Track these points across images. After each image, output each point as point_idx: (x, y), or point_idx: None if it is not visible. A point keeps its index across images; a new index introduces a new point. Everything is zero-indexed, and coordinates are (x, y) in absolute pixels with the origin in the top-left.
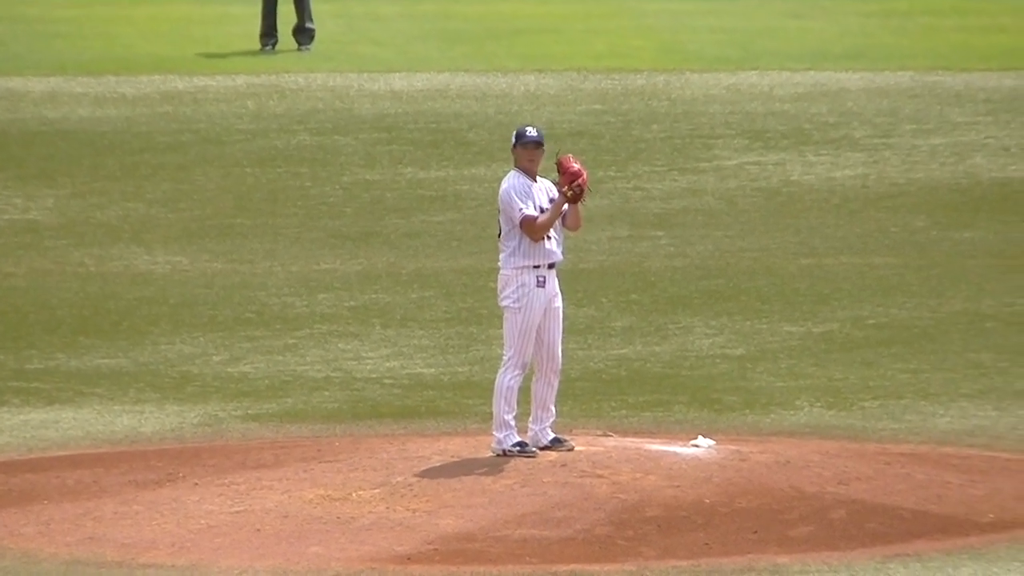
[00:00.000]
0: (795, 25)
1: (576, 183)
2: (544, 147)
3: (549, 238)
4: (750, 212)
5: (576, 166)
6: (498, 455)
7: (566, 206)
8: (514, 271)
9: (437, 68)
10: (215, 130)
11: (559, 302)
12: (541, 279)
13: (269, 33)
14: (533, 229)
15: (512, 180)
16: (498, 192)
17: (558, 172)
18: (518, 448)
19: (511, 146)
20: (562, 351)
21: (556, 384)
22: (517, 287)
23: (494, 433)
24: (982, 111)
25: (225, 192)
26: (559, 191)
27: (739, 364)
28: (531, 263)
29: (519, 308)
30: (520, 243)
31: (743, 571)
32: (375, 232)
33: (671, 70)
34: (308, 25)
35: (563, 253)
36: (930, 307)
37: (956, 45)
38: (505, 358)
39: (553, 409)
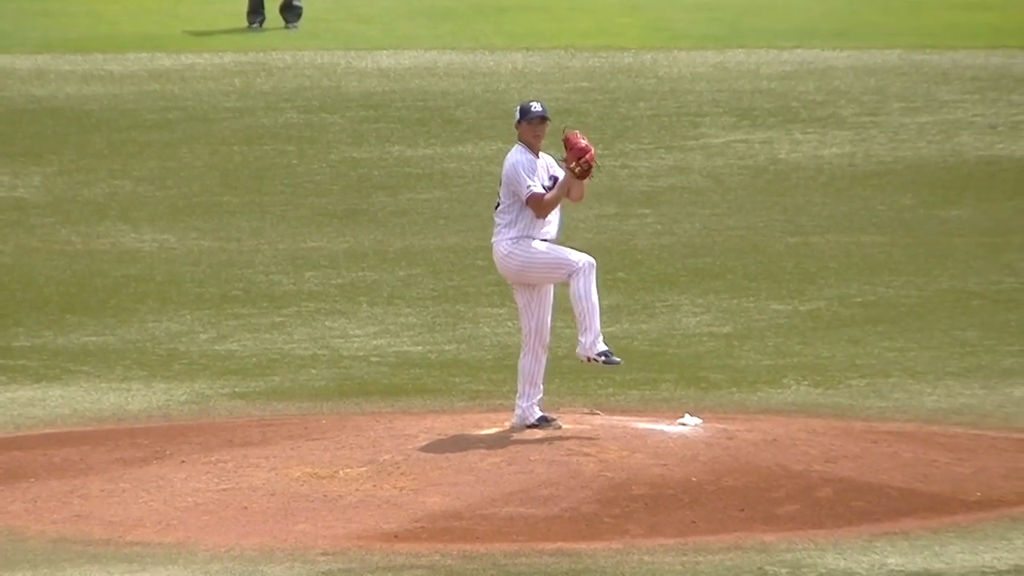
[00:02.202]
0: (782, 3)
1: (584, 159)
2: (549, 121)
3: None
4: (737, 190)
5: (583, 142)
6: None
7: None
8: (510, 242)
9: (424, 46)
10: (202, 108)
11: None
12: None
13: (256, 11)
14: (540, 206)
15: (518, 155)
16: (502, 166)
17: (565, 148)
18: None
19: (515, 122)
20: (550, 328)
21: (544, 359)
22: (516, 249)
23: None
24: (969, 89)
25: (212, 170)
26: (567, 167)
27: (726, 342)
28: (526, 235)
29: (530, 254)
30: (518, 216)
31: (730, 549)
32: (362, 210)
33: (658, 48)
34: (295, 3)
35: (559, 230)
36: (917, 285)
37: (943, 23)
38: (574, 268)
39: (541, 386)
